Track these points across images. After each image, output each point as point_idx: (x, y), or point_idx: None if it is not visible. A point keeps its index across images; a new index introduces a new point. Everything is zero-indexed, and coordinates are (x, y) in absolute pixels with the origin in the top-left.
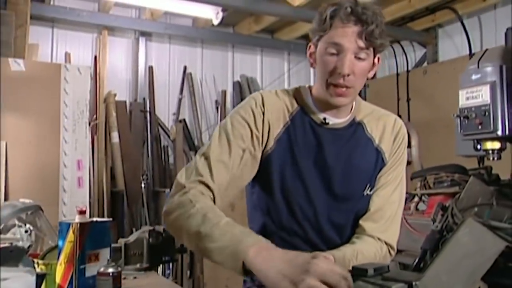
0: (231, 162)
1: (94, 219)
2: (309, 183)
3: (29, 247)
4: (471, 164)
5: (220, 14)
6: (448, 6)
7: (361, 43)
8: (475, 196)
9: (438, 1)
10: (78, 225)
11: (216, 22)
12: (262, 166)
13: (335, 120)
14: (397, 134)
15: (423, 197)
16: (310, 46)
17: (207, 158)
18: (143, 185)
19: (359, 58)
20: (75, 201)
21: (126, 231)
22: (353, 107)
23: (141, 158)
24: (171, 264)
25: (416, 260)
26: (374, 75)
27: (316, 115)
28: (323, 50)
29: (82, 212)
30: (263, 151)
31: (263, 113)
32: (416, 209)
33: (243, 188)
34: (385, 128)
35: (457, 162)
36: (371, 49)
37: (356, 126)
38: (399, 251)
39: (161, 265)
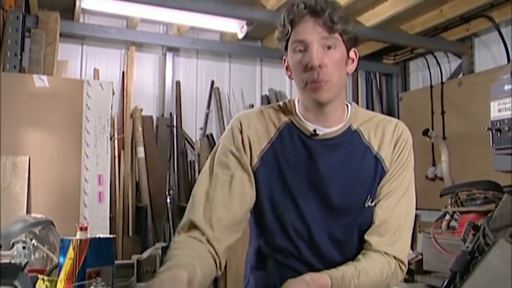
0: (218, 193)
1: (98, 235)
2: (300, 200)
3: (26, 263)
4: None
5: (245, 28)
6: (483, 14)
7: (323, 32)
8: (510, 215)
9: (472, 10)
10: (78, 241)
11: (241, 36)
12: None
13: (326, 130)
14: (398, 139)
15: (455, 215)
16: (284, 60)
17: (193, 196)
18: (168, 200)
19: (328, 48)
20: (95, 216)
21: (150, 247)
22: (348, 115)
23: (167, 173)
24: None
25: (445, 283)
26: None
27: (305, 127)
28: (291, 53)
29: (83, 229)
30: (250, 165)
31: (241, 132)
32: (448, 227)
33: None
34: (384, 134)
35: (496, 178)
36: (338, 36)
37: (352, 135)
38: (428, 273)
39: None
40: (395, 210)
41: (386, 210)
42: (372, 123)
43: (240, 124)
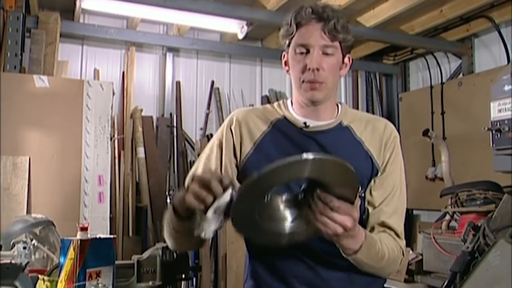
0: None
1: (98, 235)
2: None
3: (26, 264)
4: None
5: (245, 28)
6: (483, 15)
7: (326, 38)
8: (510, 215)
9: (472, 10)
10: (79, 242)
11: (241, 36)
12: (241, 174)
13: (317, 123)
14: (388, 138)
15: (455, 215)
16: (284, 55)
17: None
18: (168, 200)
19: (327, 54)
20: (95, 216)
21: (150, 247)
22: (339, 112)
23: (167, 173)
24: (194, 282)
25: (445, 283)
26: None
27: (296, 120)
28: (293, 53)
29: (83, 229)
30: (240, 157)
31: (231, 127)
32: (448, 227)
33: None
34: (374, 131)
35: (496, 178)
36: (337, 44)
37: (343, 130)
38: (428, 273)
39: (178, 282)
40: (392, 209)
41: (385, 214)
42: (361, 120)
43: (232, 118)
